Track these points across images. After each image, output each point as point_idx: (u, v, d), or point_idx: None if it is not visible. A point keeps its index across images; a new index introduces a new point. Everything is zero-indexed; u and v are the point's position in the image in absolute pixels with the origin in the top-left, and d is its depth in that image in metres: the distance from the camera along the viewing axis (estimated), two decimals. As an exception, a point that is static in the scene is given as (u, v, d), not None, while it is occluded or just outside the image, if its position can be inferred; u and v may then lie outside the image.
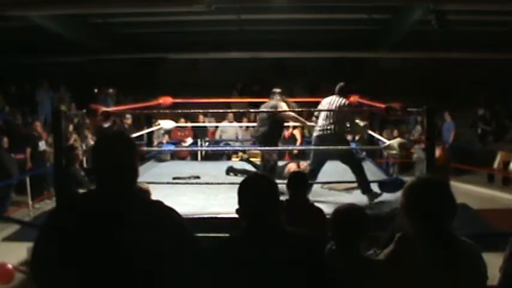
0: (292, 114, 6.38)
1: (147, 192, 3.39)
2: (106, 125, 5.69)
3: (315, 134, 5.88)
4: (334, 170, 7.46)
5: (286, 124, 10.66)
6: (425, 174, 4.41)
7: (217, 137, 11.29)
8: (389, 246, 2.00)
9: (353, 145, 10.17)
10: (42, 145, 9.44)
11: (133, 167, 1.82)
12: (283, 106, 6.30)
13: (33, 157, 9.27)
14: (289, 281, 1.85)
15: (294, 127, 11.08)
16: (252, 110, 8.57)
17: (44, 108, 11.73)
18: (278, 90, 6.53)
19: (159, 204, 1.83)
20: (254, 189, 2.01)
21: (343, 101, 5.77)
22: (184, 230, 1.80)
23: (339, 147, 5.58)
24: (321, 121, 5.80)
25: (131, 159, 1.82)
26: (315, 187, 5.77)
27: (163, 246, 1.68)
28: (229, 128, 11.10)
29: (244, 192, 2.01)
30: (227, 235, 2.05)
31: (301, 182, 3.74)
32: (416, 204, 1.94)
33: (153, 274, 1.66)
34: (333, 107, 5.73)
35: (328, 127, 5.69)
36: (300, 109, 6.89)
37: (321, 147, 5.64)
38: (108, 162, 1.78)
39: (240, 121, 10.91)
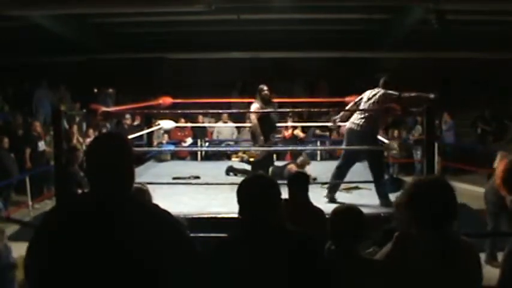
0: (253, 118, 6.34)
1: (146, 193, 3.38)
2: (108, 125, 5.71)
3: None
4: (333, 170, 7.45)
5: (285, 124, 10.65)
6: (430, 174, 4.40)
7: (213, 137, 11.31)
8: (387, 245, 2.00)
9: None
10: (41, 145, 9.44)
11: (129, 168, 1.80)
12: (253, 106, 6.33)
13: (32, 157, 9.28)
14: (289, 280, 1.86)
15: (295, 127, 11.08)
16: (242, 111, 8.56)
17: (44, 108, 11.73)
18: (261, 86, 6.46)
19: (153, 206, 1.82)
20: (254, 190, 2.02)
21: (381, 93, 5.56)
22: (179, 232, 1.79)
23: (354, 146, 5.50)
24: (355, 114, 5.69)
25: (126, 160, 1.80)
26: (315, 187, 5.76)
27: (157, 248, 1.67)
28: (224, 128, 11.12)
29: (243, 193, 2.01)
30: (227, 235, 2.06)
31: (302, 182, 3.74)
32: (419, 204, 1.94)
33: (148, 276, 1.65)
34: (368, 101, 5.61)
35: (356, 122, 5.60)
36: (284, 110, 6.86)
37: (323, 147, 5.64)
38: (103, 162, 1.76)
39: (239, 121, 10.91)
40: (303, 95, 12.78)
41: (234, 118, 11.03)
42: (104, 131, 9.76)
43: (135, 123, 10.83)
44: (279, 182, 2.14)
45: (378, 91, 5.64)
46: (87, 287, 1.63)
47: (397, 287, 1.93)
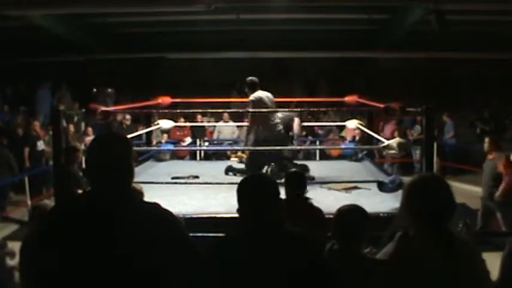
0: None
1: (140, 194, 3.39)
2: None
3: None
4: (332, 170, 7.46)
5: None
6: (426, 173, 4.41)
7: (214, 137, 11.30)
8: (389, 245, 2.00)
9: (352, 145, 10.19)
10: (40, 145, 9.44)
11: (130, 167, 1.81)
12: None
13: (31, 157, 9.28)
14: (289, 279, 1.86)
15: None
16: (258, 110, 8.52)
17: (44, 108, 11.73)
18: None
19: (155, 205, 1.82)
20: (253, 189, 2.02)
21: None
22: (181, 232, 1.79)
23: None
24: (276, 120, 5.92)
25: (127, 160, 1.81)
26: (315, 187, 5.76)
27: (158, 248, 1.67)
28: (225, 128, 11.11)
29: (243, 193, 2.01)
30: (225, 235, 2.05)
31: (299, 182, 3.73)
32: (417, 203, 1.94)
33: (148, 275, 1.65)
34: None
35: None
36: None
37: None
38: (104, 162, 1.76)
39: (239, 121, 10.90)
40: (303, 95, 12.77)
41: (234, 118, 11.02)
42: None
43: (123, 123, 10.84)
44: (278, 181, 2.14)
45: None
46: (88, 286, 1.64)
47: (400, 287, 1.92)
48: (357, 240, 2.30)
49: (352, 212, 2.40)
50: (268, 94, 6.09)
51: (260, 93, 6.04)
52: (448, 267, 1.85)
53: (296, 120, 6.65)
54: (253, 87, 6.05)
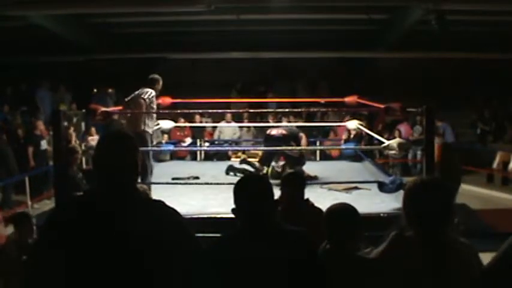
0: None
1: (144, 194, 3.39)
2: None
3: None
4: (333, 170, 7.47)
5: (277, 124, 10.58)
6: (426, 175, 4.41)
7: (215, 137, 11.30)
8: (382, 244, 2.01)
9: (351, 144, 10.19)
10: (43, 144, 9.43)
11: (135, 167, 1.83)
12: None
13: (35, 156, 9.28)
14: (289, 279, 1.86)
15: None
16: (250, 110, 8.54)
17: (44, 109, 11.72)
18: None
19: (160, 203, 1.83)
20: (250, 189, 2.03)
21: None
22: (185, 230, 1.81)
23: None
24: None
25: (133, 159, 1.82)
26: (315, 187, 5.77)
27: (164, 246, 1.68)
28: (226, 128, 11.11)
29: (240, 193, 2.02)
30: (222, 235, 2.06)
31: (298, 182, 3.72)
32: (415, 204, 1.95)
33: (153, 273, 1.66)
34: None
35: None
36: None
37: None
38: (111, 161, 1.78)
39: (239, 121, 10.91)
40: (303, 94, 12.77)
41: (236, 118, 11.02)
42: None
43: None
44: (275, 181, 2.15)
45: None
46: (96, 285, 1.65)
47: (391, 286, 1.93)
48: (347, 239, 2.30)
49: (341, 211, 2.40)
50: (141, 91, 6.32)
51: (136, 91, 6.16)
52: (436, 268, 1.86)
53: (303, 138, 6.64)
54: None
